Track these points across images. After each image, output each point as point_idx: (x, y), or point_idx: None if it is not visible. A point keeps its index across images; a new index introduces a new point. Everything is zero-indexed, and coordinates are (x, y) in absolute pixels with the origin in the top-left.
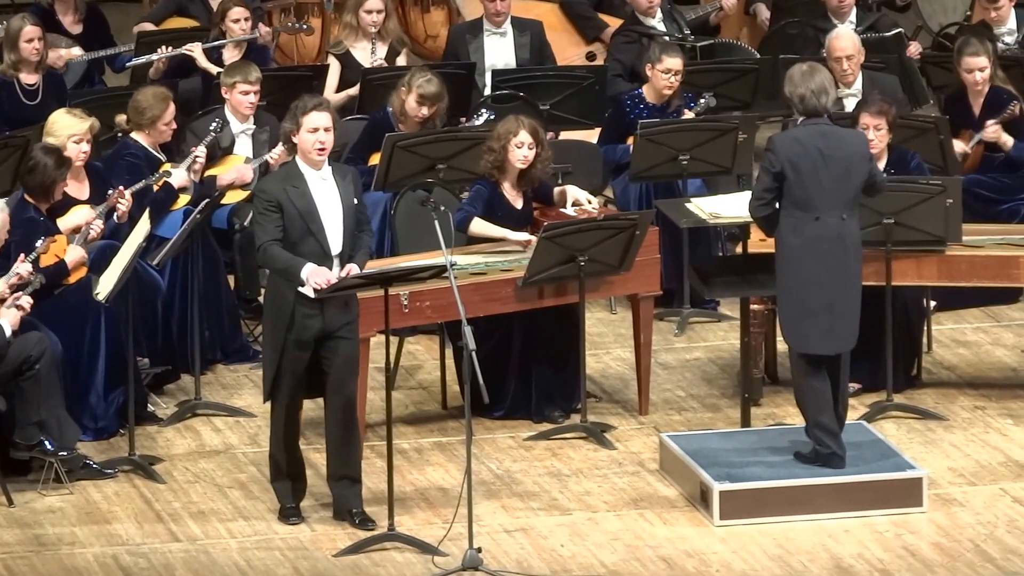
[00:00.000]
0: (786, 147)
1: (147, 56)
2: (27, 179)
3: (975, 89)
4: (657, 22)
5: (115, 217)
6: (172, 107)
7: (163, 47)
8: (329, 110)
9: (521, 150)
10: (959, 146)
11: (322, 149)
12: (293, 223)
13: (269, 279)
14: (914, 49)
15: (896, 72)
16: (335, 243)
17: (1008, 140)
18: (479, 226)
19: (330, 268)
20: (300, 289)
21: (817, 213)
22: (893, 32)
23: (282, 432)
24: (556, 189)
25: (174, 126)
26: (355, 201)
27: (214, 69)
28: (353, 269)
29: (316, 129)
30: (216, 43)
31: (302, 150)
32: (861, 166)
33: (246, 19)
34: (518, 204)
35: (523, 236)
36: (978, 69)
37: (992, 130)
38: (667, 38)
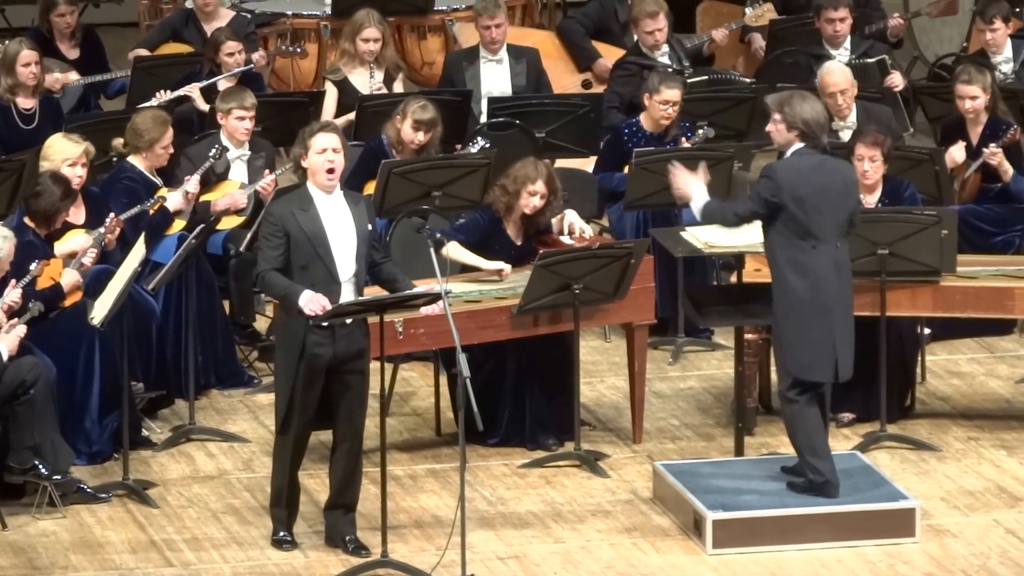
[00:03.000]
0: (788, 178)
1: (147, 103)
2: (32, 203)
3: (969, 118)
4: (660, 55)
5: (103, 245)
6: (170, 131)
7: (161, 91)
8: (337, 132)
9: (534, 198)
10: (954, 157)
11: (332, 170)
12: (301, 247)
13: (279, 309)
14: (894, 80)
15: (888, 101)
16: (345, 269)
17: (1008, 169)
18: (454, 251)
19: (339, 294)
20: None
21: (815, 242)
22: (876, 59)
23: (288, 461)
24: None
25: (171, 150)
26: (369, 227)
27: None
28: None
29: (324, 150)
30: (211, 80)
31: (312, 173)
32: (853, 194)
33: (240, 52)
34: (518, 241)
35: (496, 265)
36: (969, 97)
37: (993, 153)
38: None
